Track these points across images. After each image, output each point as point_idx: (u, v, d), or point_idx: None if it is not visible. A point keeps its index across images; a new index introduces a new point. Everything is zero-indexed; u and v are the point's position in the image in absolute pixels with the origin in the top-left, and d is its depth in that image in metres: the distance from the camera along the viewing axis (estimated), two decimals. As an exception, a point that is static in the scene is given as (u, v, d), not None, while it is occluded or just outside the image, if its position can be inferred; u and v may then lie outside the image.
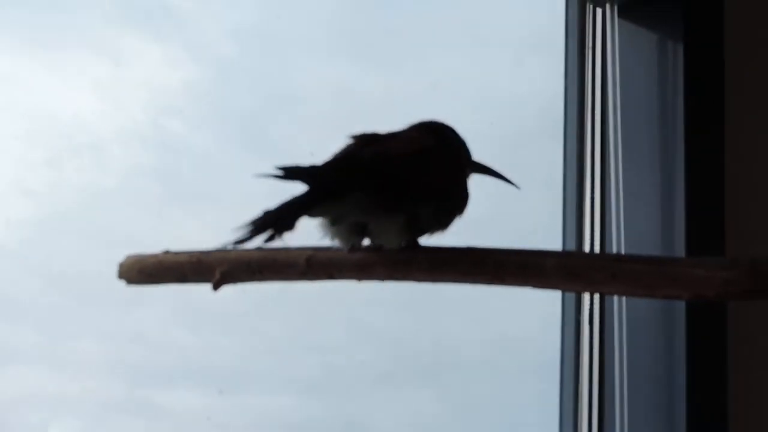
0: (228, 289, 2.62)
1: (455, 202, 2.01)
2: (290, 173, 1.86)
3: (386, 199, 1.93)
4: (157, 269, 1.95)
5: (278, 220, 1.84)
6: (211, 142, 2.90)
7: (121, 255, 2.92)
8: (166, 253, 1.96)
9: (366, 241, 1.96)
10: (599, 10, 2.84)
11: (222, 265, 1.92)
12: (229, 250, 1.95)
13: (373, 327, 2.98)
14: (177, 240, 2.78)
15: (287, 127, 2.90)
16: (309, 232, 1.91)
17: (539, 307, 2.91)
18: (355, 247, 1.93)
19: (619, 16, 2.77)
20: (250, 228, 1.83)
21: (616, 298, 2.43)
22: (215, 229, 2.72)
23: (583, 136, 2.70)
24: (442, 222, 1.98)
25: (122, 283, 2.11)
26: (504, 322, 2.98)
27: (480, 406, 2.96)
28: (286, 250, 1.92)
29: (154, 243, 2.87)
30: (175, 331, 2.94)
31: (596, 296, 2.51)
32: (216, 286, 1.93)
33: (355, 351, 2.96)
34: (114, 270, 2.41)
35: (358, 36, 2.91)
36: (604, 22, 2.79)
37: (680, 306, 2.43)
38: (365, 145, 1.99)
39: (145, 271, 1.97)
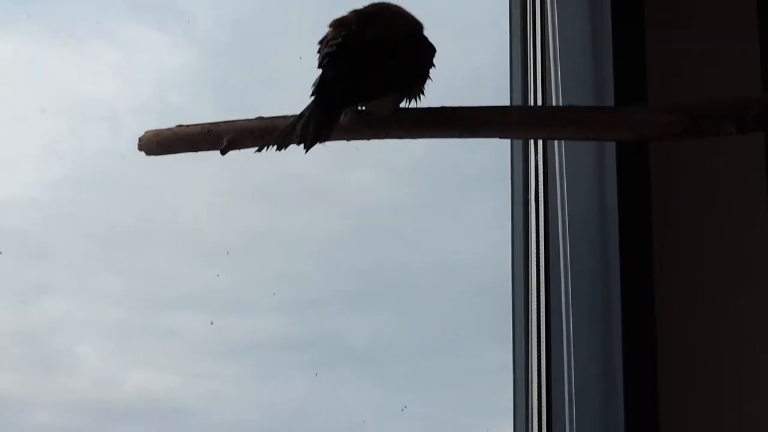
0: (220, 230, 2.72)
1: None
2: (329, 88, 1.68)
3: (393, 87, 1.74)
4: (173, 140, 1.74)
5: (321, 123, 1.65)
6: (209, 113, 2.66)
7: (136, 207, 2.81)
8: (179, 126, 1.69)
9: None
10: None
11: (229, 133, 1.68)
12: (234, 121, 1.67)
13: (339, 258, 2.79)
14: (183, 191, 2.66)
15: (275, 101, 2.68)
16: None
17: (482, 234, 2.74)
18: (346, 114, 1.69)
19: None
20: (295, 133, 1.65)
21: (560, 221, 2.12)
22: (217, 179, 2.71)
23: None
24: (422, 92, 1.77)
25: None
26: (453, 247, 2.79)
27: (434, 324, 2.78)
28: (284, 118, 1.68)
29: (163, 194, 2.74)
30: (181, 266, 2.79)
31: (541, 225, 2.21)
32: (223, 152, 1.71)
33: (324, 279, 2.79)
34: (129, 219, 2.62)
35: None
36: None
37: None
38: (371, 31, 1.76)
39: (163, 142, 1.77)
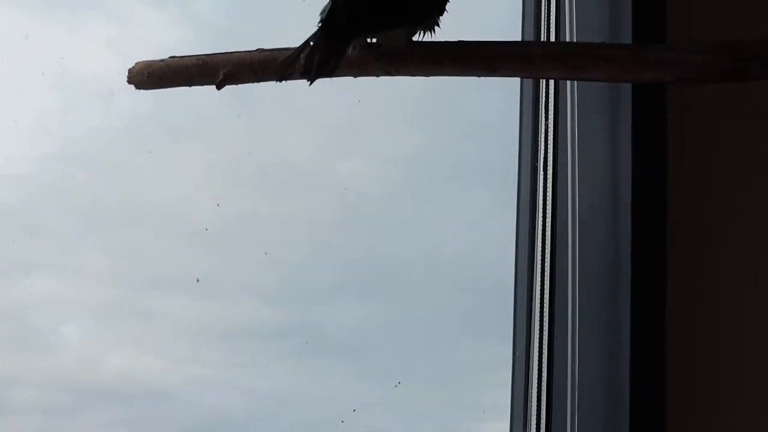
0: (207, 214, 2.52)
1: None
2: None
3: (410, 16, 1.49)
4: (165, 72, 1.50)
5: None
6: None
7: (125, 186, 2.60)
8: (172, 57, 1.42)
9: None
10: None
11: (226, 66, 1.45)
12: (232, 52, 1.41)
13: (328, 246, 2.60)
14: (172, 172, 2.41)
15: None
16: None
17: (476, 226, 2.56)
18: (355, 47, 1.46)
19: None
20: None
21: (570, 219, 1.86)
22: (207, 161, 2.59)
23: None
24: (437, 24, 1.52)
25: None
26: (445, 239, 2.60)
27: (422, 317, 2.59)
28: (285, 50, 1.44)
29: (153, 175, 2.53)
30: (167, 248, 2.62)
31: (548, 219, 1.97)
32: (219, 86, 1.49)
33: (312, 267, 2.60)
34: (117, 196, 2.48)
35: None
36: None
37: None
38: None
39: (154, 74, 1.52)
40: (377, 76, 1.47)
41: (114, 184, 2.63)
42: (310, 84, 1.37)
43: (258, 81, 1.48)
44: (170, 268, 2.62)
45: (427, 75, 1.46)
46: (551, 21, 1.86)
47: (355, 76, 1.48)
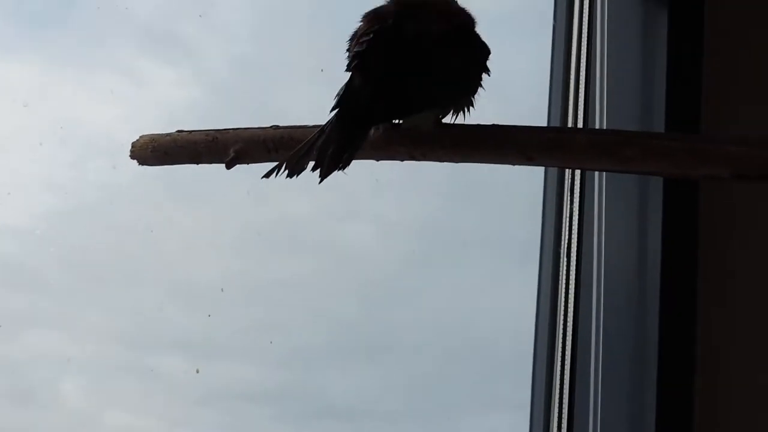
0: (210, 275, 2.31)
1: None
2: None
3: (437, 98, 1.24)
4: (171, 148, 1.28)
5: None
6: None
7: (129, 244, 2.42)
8: (180, 132, 1.18)
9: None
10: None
11: (237, 143, 1.19)
12: (245, 128, 1.16)
13: (327, 309, 2.38)
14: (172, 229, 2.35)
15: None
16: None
17: (479, 293, 2.30)
18: (378, 128, 1.23)
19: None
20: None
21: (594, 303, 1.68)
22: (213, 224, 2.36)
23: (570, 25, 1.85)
24: (471, 105, 1.28)
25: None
26: (447, 306, 2.35)
27: (420, 383, 2.34)
28: (303, 128, 1.21)
29: (156, 234, 2.34)
30: (166, 307, 2.38)
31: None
32: (229, 165, 1.21)
33: (313, 330, 2.38)
34: (120, 254, 2.30)
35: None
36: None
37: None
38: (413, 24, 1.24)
39: (159, 149, 1.30)
40: (401, 160, 1.23)
41: (117, 241, 2.39)
42: (321, 181, 1.15)
43: (272, 161, 1.23)
44: (170, 328, 2.40)
45: (456, 161, 1.22)
46: (579, 103, 1.62)
47: (377, 160, 1.23)
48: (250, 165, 1.29)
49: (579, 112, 1.67)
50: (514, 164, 1.21)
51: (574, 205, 1.69)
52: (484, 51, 1.29)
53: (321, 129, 1.19)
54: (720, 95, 1.62)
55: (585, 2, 1.77)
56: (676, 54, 1.57)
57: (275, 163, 1.24)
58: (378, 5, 1.29)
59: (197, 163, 1.32)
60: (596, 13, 1.72)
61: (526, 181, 1.95)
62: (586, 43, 1.70)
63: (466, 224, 2.31)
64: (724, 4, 1.69)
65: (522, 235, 2.12)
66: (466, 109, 1.27)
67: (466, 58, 1.27)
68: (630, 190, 1.62)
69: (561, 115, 1.73)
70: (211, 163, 1.31)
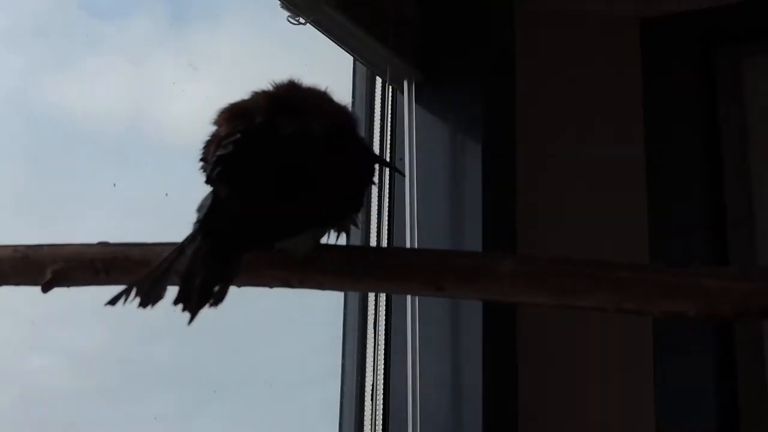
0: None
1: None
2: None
3: (320, 215, 0.96)
4: None
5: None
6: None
7: None
8: (-24, 246, 0.86)
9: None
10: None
11: (56, 262, 0.86)
12: (65, 245, 0.84)
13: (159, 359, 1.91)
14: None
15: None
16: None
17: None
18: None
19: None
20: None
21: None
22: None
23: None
24: (355, 222, 1.00)
25: None
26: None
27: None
28: (141, 246, 0.97)
29: None
30: None
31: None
32: (45, 289, 0.82)
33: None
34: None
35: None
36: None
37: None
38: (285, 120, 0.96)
39: None
40: (270, 287, 0.92)
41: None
42: (191, 320, 0.84)
43: (102, 284, 0.91)
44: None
45: (343, 290, 0.91)
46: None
47: (237, 286, 0.92)
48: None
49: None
50: (417, 294, 0.91)
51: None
52: (369, 158, 1.04)
53: (178, 248, 0.89)
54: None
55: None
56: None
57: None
58: (236, 100, 1.00)
59: (3, 285, 0.99)
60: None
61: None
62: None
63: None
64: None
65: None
66: (348, 229, 0.98)
67: (354, 165, 0.99)
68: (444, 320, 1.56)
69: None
70: (20, 285, 0.98)
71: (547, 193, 2.00)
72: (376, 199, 1.74)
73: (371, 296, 1.73)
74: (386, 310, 1.71)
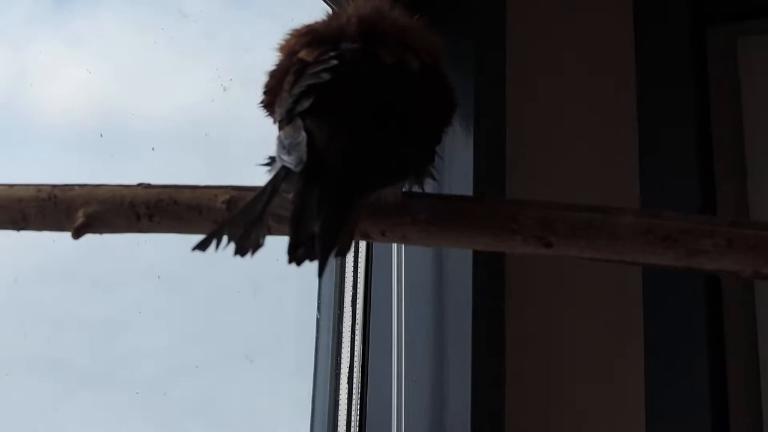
0: None
1: None
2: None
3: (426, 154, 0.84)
4: None
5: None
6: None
7: None
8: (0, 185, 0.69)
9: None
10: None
11: (90, 204, 0.72)
12: (99, 185, 0.71)
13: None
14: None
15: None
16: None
17: None
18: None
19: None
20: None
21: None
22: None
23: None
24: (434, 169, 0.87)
25: None
26: None
27: None
28: (192, 188, 0.84)
29: None
30: None
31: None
32: (77, 234, 0.76)
33: None
34: None
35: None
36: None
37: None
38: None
39: None
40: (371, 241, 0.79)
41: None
42: (320, 272, 0.71)
43: (144, 231, 0.77)
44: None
45: (429, 244, 0.78)
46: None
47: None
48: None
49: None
50: (518, 251, 0.78)
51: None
52: (454, 99, 0.90)
53: (269, 190, 0.76)
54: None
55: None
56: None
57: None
58: (312, 22, 0.86)
59: (21, 229, 0.83)
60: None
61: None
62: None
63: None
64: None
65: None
66: (425, 178, 0.86)
67: (444, 107, 0.88)
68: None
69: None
70: (42, 230, 0.83)
71: (537, 139, 1.96)
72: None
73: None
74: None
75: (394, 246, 1.57)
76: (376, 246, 1.65)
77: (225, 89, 1.69)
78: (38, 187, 0.85)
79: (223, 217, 0.77)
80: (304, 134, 0.76)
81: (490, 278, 1.78)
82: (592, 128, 1.98)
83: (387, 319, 1.64)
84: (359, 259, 1.70)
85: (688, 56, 1.98)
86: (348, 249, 0.73)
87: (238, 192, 0.83)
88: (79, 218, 0.81)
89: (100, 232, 0.83)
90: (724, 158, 1.99)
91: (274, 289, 1.76)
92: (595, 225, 0.80)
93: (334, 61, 0.80)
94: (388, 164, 0.77)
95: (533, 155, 1.95)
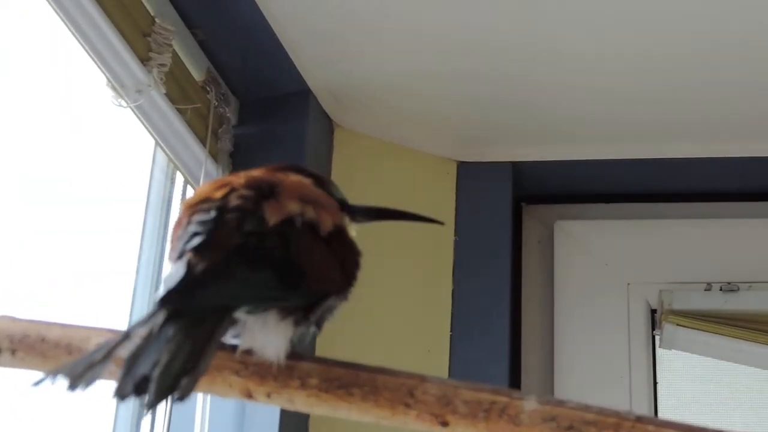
0: None
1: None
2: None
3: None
4: None
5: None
6: None
7: None
8: None
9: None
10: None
11: None
12: None
13: None
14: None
15: None
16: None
17: None
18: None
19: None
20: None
21: None
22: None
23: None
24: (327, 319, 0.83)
25: None
26: None
27: None
28: (68, 327, 0.77)
29: None
30: None
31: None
32: None
33: None
34: None
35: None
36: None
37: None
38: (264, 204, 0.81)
39: None
40: (223, 396, 0.73)
41: None
42: (149, 409, 0.66)
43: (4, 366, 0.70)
44: None
45: (317, 411, 0.73)
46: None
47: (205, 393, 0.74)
48: None
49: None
50: (410, 428, 0.74)
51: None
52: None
53: (124, 333, 0.71)
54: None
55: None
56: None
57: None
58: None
59: None
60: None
61: None
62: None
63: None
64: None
65: None
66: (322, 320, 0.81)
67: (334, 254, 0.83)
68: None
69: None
70: None
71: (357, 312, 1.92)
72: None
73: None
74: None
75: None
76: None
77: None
78: None
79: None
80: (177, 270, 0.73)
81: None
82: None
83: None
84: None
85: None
86: (189, 393, 0.67)
87: (113, 335, 0.75)
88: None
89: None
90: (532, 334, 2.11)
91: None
92: (498, 408, 0.75)
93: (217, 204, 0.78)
94: (225, 284, 0.73)
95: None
